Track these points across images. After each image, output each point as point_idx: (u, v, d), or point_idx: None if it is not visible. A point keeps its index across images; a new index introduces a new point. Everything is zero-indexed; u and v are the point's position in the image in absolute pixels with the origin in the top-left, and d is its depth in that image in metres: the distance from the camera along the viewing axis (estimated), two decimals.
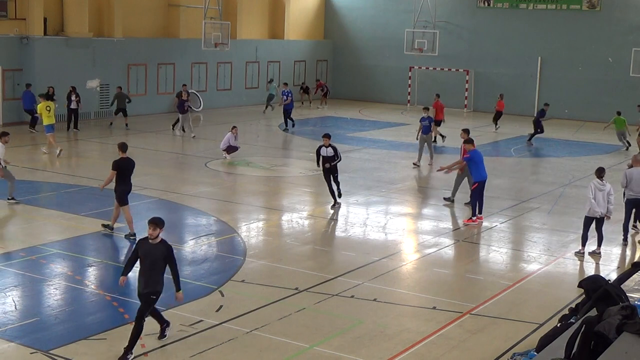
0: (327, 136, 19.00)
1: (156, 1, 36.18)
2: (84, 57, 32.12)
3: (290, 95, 33.02)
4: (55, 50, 31.13)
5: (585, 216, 15.44)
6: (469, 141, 18.54)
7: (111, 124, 31.32)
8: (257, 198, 20.21)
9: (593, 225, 15.47)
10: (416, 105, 42.08)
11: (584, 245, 15.58)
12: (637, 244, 16.72)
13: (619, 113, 30.26)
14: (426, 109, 26.40)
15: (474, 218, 17.96)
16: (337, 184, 19.21)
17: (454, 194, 19.79)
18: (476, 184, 18.00)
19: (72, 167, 23.72)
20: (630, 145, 30.07)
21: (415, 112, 39.68)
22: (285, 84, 35.35)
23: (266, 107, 37.81)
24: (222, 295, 12.61)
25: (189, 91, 36.76)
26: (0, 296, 12.22)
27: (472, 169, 18.22)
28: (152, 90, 35.13)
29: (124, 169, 15.39)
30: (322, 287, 13.18)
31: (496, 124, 34.50)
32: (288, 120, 32.87)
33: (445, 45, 41.01)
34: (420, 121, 25.54)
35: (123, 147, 15.50)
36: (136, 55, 34.36)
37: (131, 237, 15.53)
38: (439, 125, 29.50)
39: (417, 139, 25.66)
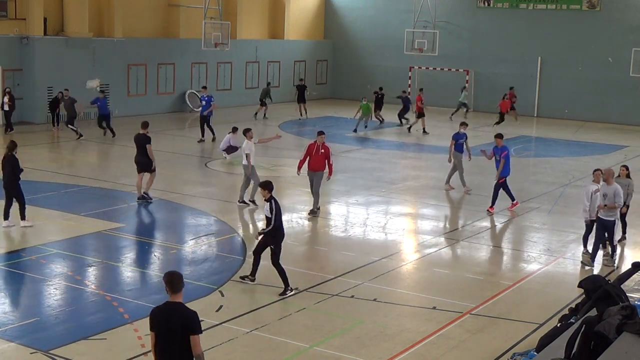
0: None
1: (156, 1, 36.14)
2: (84, 57, 32.10)
3: (210, 100, 27.88)
4: (55, 50, 31.11)
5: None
6: (498, 136, 19.39)
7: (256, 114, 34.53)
8: (257, 198, 20.18)
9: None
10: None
11: (584, 245, 15.51)
12: None
13: (363, 99, 33.32)
14: (464, 124, 21.67)
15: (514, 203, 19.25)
16: None
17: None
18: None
19: (72, 167, 23.69)
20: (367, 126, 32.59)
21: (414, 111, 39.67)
22: (204, 87, 30.42)
23: (466, 113, 38.32)
24: (222, 295, 12.61)
25: (189, 91, 36.81)
26: (0, 296, 12.22)
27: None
28: (152, 90, 35.10)
29: (136, 144, 18.51)
30: (322, 287, 13.18)
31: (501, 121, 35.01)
32: (205, 129, 27.87)
33: (445, 45, 40.97)
34: (454, 138, 21.09)
35: (144, 124, 18.65)
36: (136, 55, 34.33)
37: (140, 200, 18.33)
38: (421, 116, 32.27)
39: (449, 160, 21.21)
